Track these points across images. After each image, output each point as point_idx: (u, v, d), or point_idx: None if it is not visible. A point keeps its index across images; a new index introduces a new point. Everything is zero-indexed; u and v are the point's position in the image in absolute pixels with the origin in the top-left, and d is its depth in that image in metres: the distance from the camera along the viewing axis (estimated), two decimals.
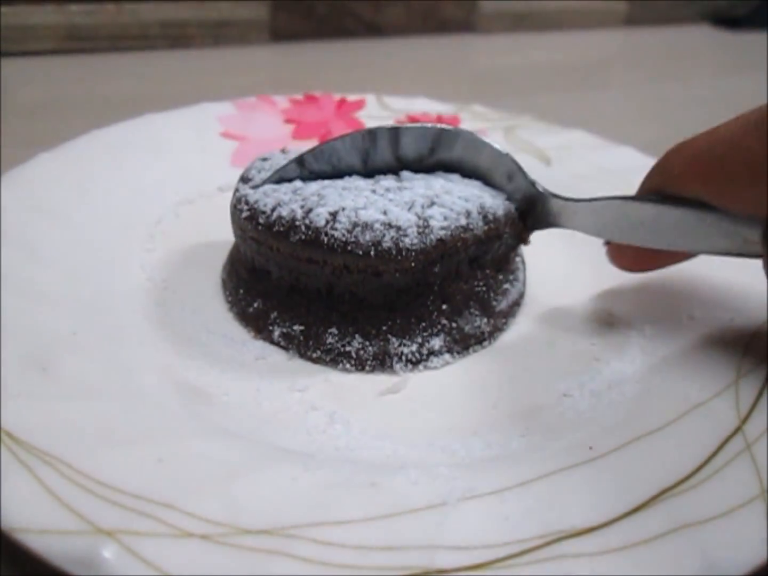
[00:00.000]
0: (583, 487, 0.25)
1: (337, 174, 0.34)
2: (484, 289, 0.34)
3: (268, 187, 0.34)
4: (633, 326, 0.36)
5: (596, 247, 0.43)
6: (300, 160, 0.34)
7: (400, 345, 0.32)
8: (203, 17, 0.79)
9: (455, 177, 0.35)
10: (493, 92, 0.75)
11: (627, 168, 0.47)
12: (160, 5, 0.77)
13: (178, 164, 0.45)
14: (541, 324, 0.36)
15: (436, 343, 0.33)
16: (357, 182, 0.34)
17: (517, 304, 0.36)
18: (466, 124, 0.52)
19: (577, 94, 0.76)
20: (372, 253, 0.30)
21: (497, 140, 0.50)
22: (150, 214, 0.42)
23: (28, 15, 0.71)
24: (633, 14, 1.02)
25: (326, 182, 0.34)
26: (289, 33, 0.83)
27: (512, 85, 0.78)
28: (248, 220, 0.33)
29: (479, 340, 0.34)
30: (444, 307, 0.33)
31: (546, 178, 0.46)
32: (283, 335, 0.33)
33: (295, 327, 0.33)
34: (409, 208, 0.31)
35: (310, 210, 0.31)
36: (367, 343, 0.32)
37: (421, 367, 0.32)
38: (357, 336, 0.32)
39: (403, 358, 0.32)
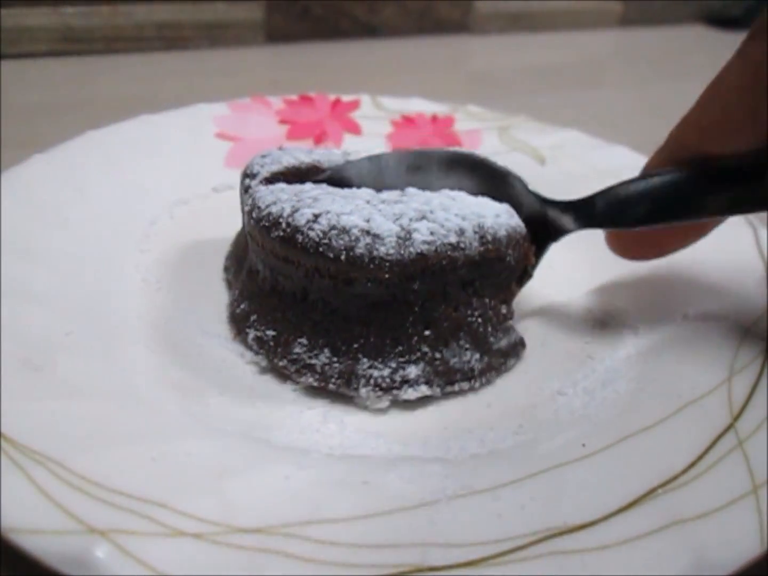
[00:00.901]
0: (575, 484, 0.25)
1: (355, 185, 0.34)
2: (479, 320, 0.31)
3: (278, 186, 0.33)
4: (626, 324, 0.36)
5: (591, 244, 0.43)
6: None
7: (370, 367, 0.30)
8: (198, 18, 0.79)
9: (461, 195, 0.33)
10: (488, 92, 0.75)
11: (621, 167, 0.47)
12: (156, 6, 0.77)
13: (173, 165, 0.45)
14: (534, 322, 0.36)
15: (413, 371, 0.30)
16: (360, 192, 0.33)
17: (522, 344, 0.33)
18: (461, 124, 0.52)
19: (572, 94, 0.76)
20: (343, 257, 0.28)
21: (492, 140, 0.51)
22: (145, 214, 0.42)
23: (23, 17, 0.71)
24: (628, 14, 1.03)
25: (333, 188, 0.33)
26: (284, 34, 0.83)
27: (507, 86, 0.78)
28: (248, 214, 0.32)
29: (467, 376, 0.31)
30: (427, 333, 0.30)
31: (540, 177, 0.46)
32: (256, 339, 0.32)
33: (268, 332, 0.32)
34: (396, 220, 0.30)
35: (297, 210, 0.30)
36: (335, 359, 0.30)
37: (390, 395, 0.30)
38: (326, 350, 0.30)
39: (372, 381, 0.30)
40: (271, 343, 0.32)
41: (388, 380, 0.30)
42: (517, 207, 0.33)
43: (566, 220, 0.33)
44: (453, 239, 0.29)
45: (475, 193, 0.33)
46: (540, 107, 0.62)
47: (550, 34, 0.98)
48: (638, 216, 0.31)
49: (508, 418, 0.30)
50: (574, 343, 0.35)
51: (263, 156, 0.36)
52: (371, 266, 0.28)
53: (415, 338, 0.30)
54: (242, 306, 0.34)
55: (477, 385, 0.31)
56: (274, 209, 0.31)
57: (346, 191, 0.33)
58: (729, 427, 0.27)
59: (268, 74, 0.79)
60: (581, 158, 0.48)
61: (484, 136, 0.51)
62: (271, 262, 0.32)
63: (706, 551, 0.22)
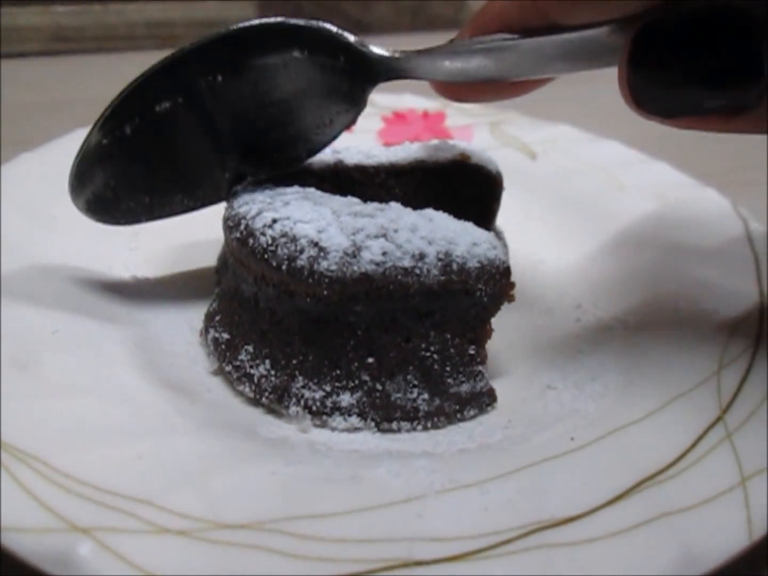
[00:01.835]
0: (563, 477, 0.25)
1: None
2: (436, 356, 0.28)
3: (266, 185, 0.32)
4: (617, 318, 0.36)
5: (583, 238, 0.43)
6: None
7: (304, 386, 0.28)
8: (190, 17, 0.79)
9: (443, 216, 0.30)
10: None
11: (613, 162, 0.47)
12: (147, 5, 0.76)
13: None
14: (525, 316, 0.36)
15: (346, 399, 0.28)
16: (338, 200, 0.31)
17: (489, 396, 0.30)
18: (453, 120, 0.52)
19: (563, 89, 0.76)
20: (284, 267, 0.27)
21: (483, 135, 0.51)
22: None
23: (13, 16, 0.71)
24: None
25: (315, 193, 0.31)
26: None
27: None
28: (225, 212, 0.32)
29: (409, 416, 0.28)
30: (369, 360, 0.28)
31: (532, 172, 0.46)
32: (213, 339, 0.31)
33: (224, 335, 0.31)
34: (353, 234, 0.27)
35: (260, 212, 0.29)
36: (273, 372, 0.29)
37: (318, 420, 0.28)
38: (266, 361, 0.29)
39: (302, 402, 0.28)
40: (223, 346, 0.31)
41: (318, 404, 0.28)
42: (335, 50, 0.30)
43: (407, 66, 0.31)
44: (407, 263, 0.27)
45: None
46: (530, 103, 0.62)
47: None
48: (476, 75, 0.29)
49: (497, 413, 0.30)
50: (564, 337, 0.35)
51: None
52: (310, 280, 0.27)
53: (355, 364, 0.28)
54: (213, 305, 0.33)
55: (419, 427, 0.28)
56: (242, 210, 0.30)
57: (326, 197, 0.31)
58: (718, 420, 0.27)
59: None
60: (572, 153, 0.48)
61: (476, 131, 0.51)
62: (233, 263, 0.31)
63: (693, 544, 0.22)
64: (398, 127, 0.51)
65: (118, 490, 0.22)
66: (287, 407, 0.28)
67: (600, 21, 0.26)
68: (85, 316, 0.32)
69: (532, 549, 0.22)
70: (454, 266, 0.27)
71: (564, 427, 0.28)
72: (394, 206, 0.31)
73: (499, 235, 0.39)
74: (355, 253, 0.27)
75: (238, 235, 0.29)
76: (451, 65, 0.30)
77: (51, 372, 0.28)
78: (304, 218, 0.28)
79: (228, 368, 0.30)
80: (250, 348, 0.30)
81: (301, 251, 0.27)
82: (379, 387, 0.28)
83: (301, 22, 0.31)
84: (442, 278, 0.27)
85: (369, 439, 0.28)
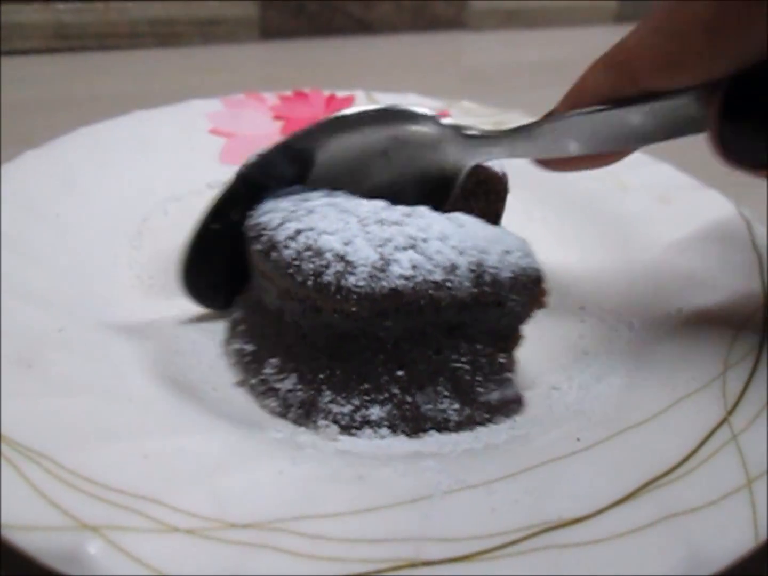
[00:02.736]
0: (570, 478, 0.25)
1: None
2: (466, 367, 0.28)
3: (293, 188, 0.31)
4: (621, 319, 0.36)
5: (586, 240, 0.43)
6: None
7: (332, 401, 0.27)
8: (192, 15, 0.79)
9: (473, 221, 0.29)
10: (482, 89, 0.75)
11: (617, 164, 0.47)
12: (149, 3, 0.76)
13: (166, 161, 0.45)
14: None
15: (376, 412, 0.27)
16: (365, 205, 0.30)
17: (518, 402, 0.29)
18: (456, 120, 0.52)
19: (565, 90, 0.76)
20: (310, 283, 0.26)
21: None
22: (138, 211, 0.42)
23: (15, 13, 0.71)
24: (623, 12, 1.03)
25: (341, 197, 0.30)
26: (278, 31, 0.83)
27: (502, 82, 0.78)
28: (247, 220, 0.31)
29: (439, 426, 0.28)
30: (399, 373, 0.27)
31: (534, 172, 0.46)
32: (236, 351, 0.30)
33: (248, 346, 0.30)
34: (380, 246, 0.26)
35: (283, 223, 0.28)
36: (299, 386, 0.28)
37: (348, 434, 0.27)
38: (293, 375, 0.28)
39: (331, 417, 0.27)
40: (248, 358, 0.30)
41: (348, 418, 0.27)
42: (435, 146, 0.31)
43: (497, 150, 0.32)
44: (438, 276, 0.26)
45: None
46: (535, 104, 0.62)
47: (545, 31, 0.98)
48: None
49: None
50: (569, 337, 0.35)
51: (259, 154, 0.36)
52: (338, 296, 0.26)
53: (385, 377, 0.27)
54: (236, 314, 0.33)
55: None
56: (264, 219, 0.29)
57: (353, 203, 0.30)
58: (723, 421, 0.27)
59: (262, 71, 0.78)
60: None
61: None
62: (257, 275, 0.30)
63: (700, 545, 0.22)
64: None
65: (126, 489, 0.22)
66: (315, 422, 0.28)
67: (693, 85, 0.27)
68: (90, 315, 0.32)
69: (540, 549, 0.22)
70: (487, 277, 0.27)
71: (570, 428, 0.28)
72: (422, 211, 0.29)
73: None
74: (383, 267, 0.26)
75: (260, 246, 0.28)
76: (547, 143, 0.31)
77: (57, 370, 0.28)
78: (329, 229, 0.27)
79: (253, 381, 0.30)
80: (276, 361, 0.29)
81: (327, 266, 0.26)
82: (409, 399, 0.27)
83: (399, 107, 0.32)
84: (475, 290, 0.26)
85: (375, 439, 0.28)
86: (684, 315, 0.34)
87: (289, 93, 0.53)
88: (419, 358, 0.27)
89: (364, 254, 0.26)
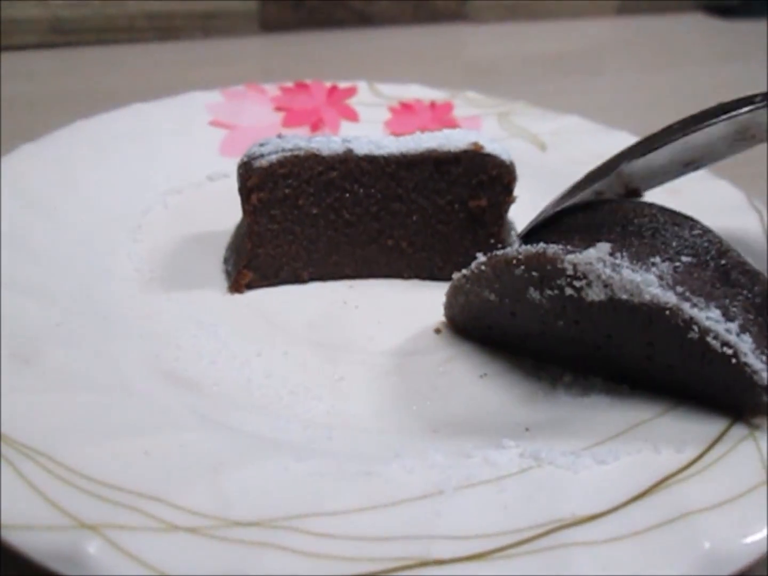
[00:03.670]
0: (582, 475, 0.24)
1: None
2: None
3: None
4: None
5: None
6: None
7: None
8: (191, 9, 0.78)
9: None
10: (485, 81, 0.74)
11: None
12: None
13: (166, 153, 0.45)
14: None
15: None
16: None
17: None
18: (460, 111, 0.51)
19: (570, 82, 0.75)
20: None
21: (491, 126, 0.50)
22: (137, 204, 0.41)
23: (10, 9, 0.70)
24: (625, 5, 1.02)
25: None
26: (278, 23, 0.82)
27: (504, 74, 0.77)
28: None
29: None
30: None
31: (542, 163, 0.45)
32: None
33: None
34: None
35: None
36: None
37: None
38: None
39: None
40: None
41: None
42: None
43: None
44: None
45: None
46: (538, 95, 0.62)
47: (548, 23, 0.97)
48: None
49: (510, 408, 0.29)
50: None
51: (262, 144, 0.35)
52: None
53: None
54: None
55: None
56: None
57: None
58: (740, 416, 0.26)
59: (262, 64, 0.77)
60: (583, 144, 0.47)
61: (484, 122, 0.50)
62: None
63: (716, 544, 0.21)
64: (405, 118, 0.50)
65: (126, 486, 0.22)
66: None
67: None
68: (89, 309, 0.32)
69: (553, 548, 0.21)
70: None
71: (580, 423, 0.27)
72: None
73: (510, 226, 0.38)
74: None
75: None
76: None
77: (54, 365, 0.27)
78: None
79: None
80: None
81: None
82: None
83: None
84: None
85: (383, 435, 0.27)
86: None
87: (290, 84, 0.52)
88: None
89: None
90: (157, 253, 0.38)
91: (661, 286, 0.26)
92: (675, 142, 0.32)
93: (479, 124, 0.50)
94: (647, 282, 0.26)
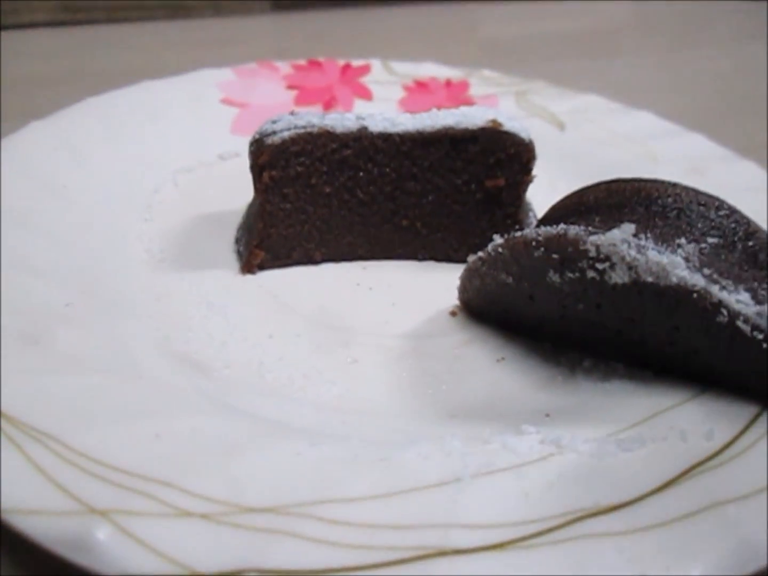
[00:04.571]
0: (606, 462, 0.23)
1: None
2: None
3: None
4: None
5: None
6: None
7: None
8: None
9: None
10: (500, 60, 0.72)
11: (645, 133, 0.45)
12: None
13: (176, 132, 0.44)
14: None
15: None
16: None
17: None
18: (476, 89, 0.50)
19: (588, 61, 0.74)
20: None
21: (509, 105, 0.49)
22: (147, 182, 0.40)
23: None
24: None
25: None
26: (291, 1, 0.80)
27: (521, 53, 0.75)
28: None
29: None
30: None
31: (560, 143, 0.44)
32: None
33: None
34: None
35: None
36: None
37: None
38: None
39: None
40: None
41: None
42: None
43: None
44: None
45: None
46: (555, 75, 0.60)
47: (561, 3, 0.94)
48: None
49: (529, 393, 0.28)
50: None
51: (274, 121, 0.35)
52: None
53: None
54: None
55: None
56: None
57: None
58: None
59: (274, 43, 0.76)
60: (603, 123, 0.46)
61: (501, 100, 0.49)
62: None
63: (749, 534, 0.20)
64: (420, 96, 0.49)
65: (136, 471, 0.21)
66: None
67: None
68: (99, 290, 0.31)
69: (576, 538, 0.20)
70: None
71: (602, 409, 0.27)
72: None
73: (528, 206, 0.37)
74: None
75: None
76: None
77: (64, 347, 0.26)
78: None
79: None
80: None
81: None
82: None
83: None
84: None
85: (399, 421, 0.26)
86: None
87: (302, 62, 0.51)
88: None
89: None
90: (167, 233, 0.37)
91: (687, 268, 0.25)
92: None
93: (496, 103, 0.48)
94: (674, 264, 0.25)
